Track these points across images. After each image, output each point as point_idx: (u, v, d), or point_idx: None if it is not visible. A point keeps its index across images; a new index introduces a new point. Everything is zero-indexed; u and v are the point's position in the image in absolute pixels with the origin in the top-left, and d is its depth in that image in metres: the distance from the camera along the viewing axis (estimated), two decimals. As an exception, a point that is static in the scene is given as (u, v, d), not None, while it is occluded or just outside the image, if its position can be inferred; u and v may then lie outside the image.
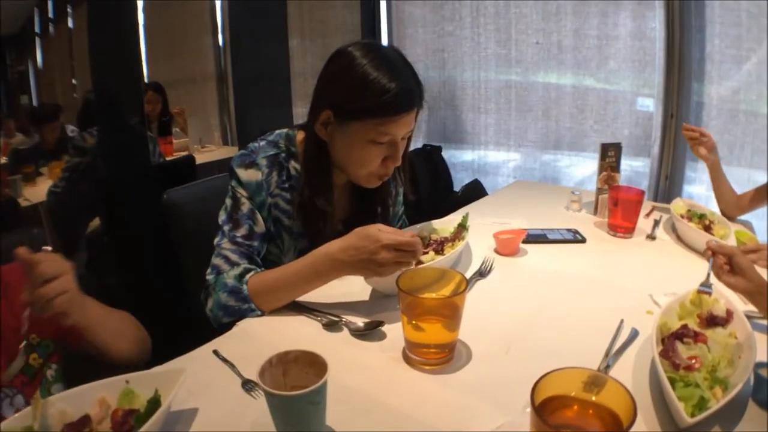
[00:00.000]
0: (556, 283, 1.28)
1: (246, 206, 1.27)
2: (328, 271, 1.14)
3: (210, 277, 1.22)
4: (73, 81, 5.45)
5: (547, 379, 0.69)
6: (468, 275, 1.31)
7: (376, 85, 1.15)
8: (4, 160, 4.06)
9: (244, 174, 1.28)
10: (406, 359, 0.98)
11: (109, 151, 2.87)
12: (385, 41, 3.42)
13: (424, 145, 2.25)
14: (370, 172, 1.27)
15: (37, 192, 3.40)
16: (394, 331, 1.05)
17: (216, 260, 1.24)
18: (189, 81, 4.33)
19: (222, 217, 1.29)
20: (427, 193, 1.68)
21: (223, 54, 3.90)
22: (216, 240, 1.26)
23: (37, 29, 5.52)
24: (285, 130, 1.36)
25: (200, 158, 3.29)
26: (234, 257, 1.23)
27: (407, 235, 1.07)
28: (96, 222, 3.23)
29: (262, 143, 1.33)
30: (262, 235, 1.28)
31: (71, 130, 3.41)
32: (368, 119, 1.18)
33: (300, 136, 1.34)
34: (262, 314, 1.18)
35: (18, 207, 3.11)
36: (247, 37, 3.11)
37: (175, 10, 4.16)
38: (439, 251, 1.32)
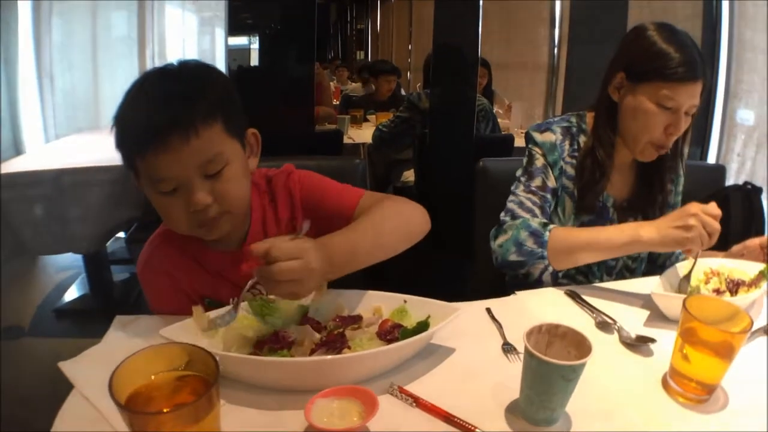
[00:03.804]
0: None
1: (540, 161, 1.42)
2: (634, 239, 1.20)
3: (506, 217, 1.38)
4: (409, 46, 6.00)
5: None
6: (754, 327, 1.21)
7: (664, 51, 1.27)
8: (336, 102, 4.80)
9: (540, 136, 1.44)
10: (664, 384, 0.95)
11: (440, 114, 3.13)
12: (724, 46, 3.20)
13: (745, 183, 2.02)
14: (650, 140, 1.33)
15: (361, 134, 3.91)
16: (662, 354, 1.02)
17: (511, 204, 1.39)
18: (518, 67, 4.48)
19: (518, 172, 1.44)
20: (737, 233, 1.55)
21: (557, 47, 3.95)
22: (512, 187, 1.43)
23: (379, -5, 6.17)
24: (576, 112, 1.50)
25: (519, 141, 3.40)
26: (528, 204, 1.37)
27: None
28: (409, 175, 3.58)
29: (556, 119, 1.50)
30: (553, 190, 1.41)
31: (418, 87, 3.74)
32: (656, 81, 1.28)
33: (590, 117, 1.46)
34: (545, 269, 1.31)
35: (342, 139, 3.61)
36: (585, 34, 3.12)
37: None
38: (732, 292, 1.24)
